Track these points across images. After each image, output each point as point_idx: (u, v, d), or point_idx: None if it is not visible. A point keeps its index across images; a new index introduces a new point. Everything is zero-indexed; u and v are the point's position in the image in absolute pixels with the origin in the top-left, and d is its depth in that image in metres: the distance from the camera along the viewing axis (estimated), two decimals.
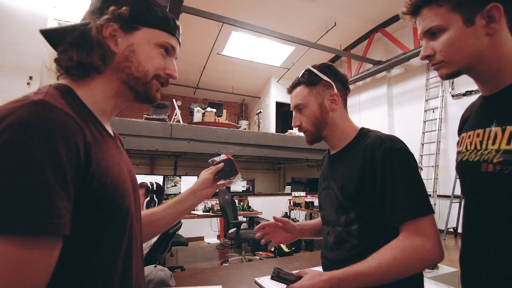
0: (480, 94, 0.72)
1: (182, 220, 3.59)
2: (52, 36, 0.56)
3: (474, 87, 5.48)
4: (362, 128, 0.90)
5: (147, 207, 1.84)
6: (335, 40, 7.21)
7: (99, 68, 0.55)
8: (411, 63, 6.79)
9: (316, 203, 4.93)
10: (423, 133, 6.12)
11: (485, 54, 0.61)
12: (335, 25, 6.64)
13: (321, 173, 1.03)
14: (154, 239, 1.72)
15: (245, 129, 8.06)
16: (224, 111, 6.99)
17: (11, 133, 0.38)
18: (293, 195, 5.12)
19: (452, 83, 5.93)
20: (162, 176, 4.06)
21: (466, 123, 0.76)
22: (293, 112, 0.95)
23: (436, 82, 6.22)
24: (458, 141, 0.77)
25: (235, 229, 3.41)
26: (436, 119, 5.94)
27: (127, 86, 0.58)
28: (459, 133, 0.81)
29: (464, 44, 0.61)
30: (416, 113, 6.36)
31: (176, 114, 5.99)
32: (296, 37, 6.19)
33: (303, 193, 5.16)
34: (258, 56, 7.69)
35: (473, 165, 0.65)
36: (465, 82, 5.70)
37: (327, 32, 6.74)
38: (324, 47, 6.57)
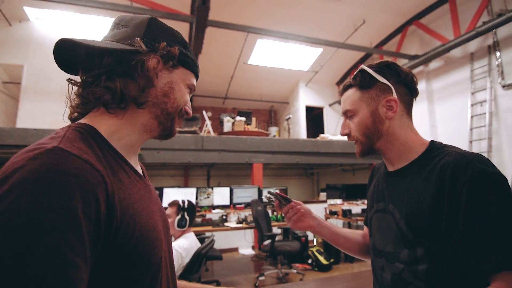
0: None
1: (215, 233, 3.58)
2: (71, 54, 0.53)
3: None
4: (433, 142, 0.74)
5: (179, 225, 1.83)
6: (365, 38, 6.91)
7: (141, 101, 0.52)
8: (451, 54, 6.25)
9: (354, 211, 4.66)
10: (471, 129, 5.57)
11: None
12: (363, 22, 6.36)
13: (372, 189, 0.88)
14: (187, 260, 1.70)
15: (275, 135, 7.98)
16: (253, 119, 7.00)
17: (19, 193, 0.33)
18: (328, 202, 4.90)
19: (502, 72, 5.34)
20: (195, 189, 4.10)
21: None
22: (343, 117, 0.82)
23: (483, 73, 5.64)
24: None
25: (270, 241, 3.31)
26: (485, 113, 5.38)
27: (157, 121, 0.56)
28: None
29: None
30: (461, 108, 5.82)
31: (206, 125, 6.11)
32: (323, 39, 6.02)
33: (339, 201, 4.92)
34: (285, 61, 7.62)
35: None
36: None
37: (355, 30, 6.48)
38: (353, 46, 6.31)
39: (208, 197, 4.12)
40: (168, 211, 1.88)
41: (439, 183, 0.63)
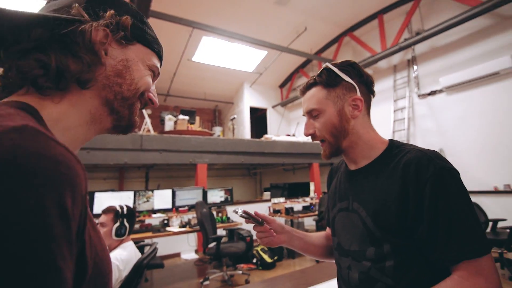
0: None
1: (156, 239, 3.34)
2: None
3: (437, 87, 5.76)
4: (392, 140, 0.76)
5: (117, 234, 1.62)
6: (306, 45, 7.29)
7: (87, 80, 0.41)
8: (378, 65, 7.02)
9: (296, 208, 4.86)
10: (394, 132, 6.32)
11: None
12: (305, 29, 6.71)
13: (333, 189, 0.87)
14: (126, 273, 1.51)
15: (219, 135, 7.88)
16: (197, 118, 6.78)
17: None
18: (272, 201, 5.01)
19: (418, 83, 6.20)
20: (133, 192, 3.76)
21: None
22: (306, 117, 0.78)
23: (403, 83, 6.47)
24: None
25: (215, 243, 3.22)
26: (405, 118, 6.17)
27: (108, 108, 0.45)
28: None
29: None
30: (386, 113, 6.56)
31: (145, 123, 5.69)
32: (268, 41, 6.15)
33: (282, 199, 5.07)
34: (230, 61, 7.58)
35: None
36: (430, 82, 5.98)
37: (298, 36, 6.79)
38: (295, 51, 6.60)
39: (147, 201, 3.82)
40: (102, 219, 1.64)
41: (403, 180, 0.64)
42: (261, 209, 5.53)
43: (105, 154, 4.17)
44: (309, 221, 5.48)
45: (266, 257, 3.84)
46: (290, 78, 9.21)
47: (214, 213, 4.31)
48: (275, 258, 3.95)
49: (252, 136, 8.68)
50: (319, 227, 4.34)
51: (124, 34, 0.45)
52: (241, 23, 6.23)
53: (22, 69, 0.37)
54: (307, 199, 5.16)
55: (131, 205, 3.71)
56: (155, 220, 3.93)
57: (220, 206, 4.47)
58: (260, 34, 6.23)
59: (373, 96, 0.78)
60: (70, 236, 0.27)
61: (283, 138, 6.29)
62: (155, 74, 0.53)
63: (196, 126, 6.45)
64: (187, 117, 6.13)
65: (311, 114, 0.76)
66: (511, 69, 4.73)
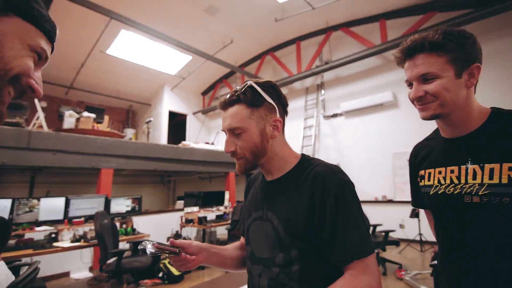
0: (432, 137, 0.91)
1: (40, 257, 2.78)
2: None
3: (339, 110, 6.69)
4: (303, 155, 0.82)
5: None
6: (231, 56, 7.47)
7: None
8: (293, 86, 7.73)
9: (209, 217, 4.81)
10: (302, 147, 7.00)
11: (462, 102, 0.76)
12: (231, 42, 6.88)
13: (250, 199, 0.89)
14: None
15: (131, 138, 7.23)
16: (106, 117, 6.08)
17: None
18: (185, 211, 4.84)
19: (324, 106, 7.07)
20: (10, 200, 3.06)
21: (428, 160, 0.88)
22: (226, 134, 0.78)
23: (313, 104, 7.28)
24: (423, 176, 0.89)
25: (116, 258, 2.89)
26: (312, 135, 6.92)
27: None
28: (418, 169, 0.92)
29: (452, 91, 0.75)
30: (297, 130, 7.22)
31: (37, 118, 4.78)
32: (194, 47, 6.06)
33: (196, 208, 4.95)
34: (151, 61, 7.13)
35: (453, 197, 0.78)
36: (333, 106, 6.90)
37: (224, 47, 6.91)
38: (221, 61, 6.69)
39: (30, 211, 3.17)
40: None
41: (311, 190, 0.70)
42: (172, 219, 5.28)
43: None
44: (222, 230, 5.49)
45: (173, 270, 3.65)
46: (213, 87, 9.23)
47: (118, 224, 3.89)
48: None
49: (169, 142, 8.28)
50: (231, 236, 4.39)
51: None
52: (167, 24, 5.98)
53: None
54: (221, 208, 5.18)
55: (6, 215, 3.02)
56: (38, 234, 3.28)
57: (126, 216, 4.07)
58: (186, 38, 6.09)
59: (287, 115, 0.83)
60: None
61: (202, 146, 6.21)
62: (41, 57, 0.45)
63: (104, 126, 5.76)
64: (93, 115, 5.41)
65: (233, 131, 0.76)
66: (391, 102, 5.87)
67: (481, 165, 0.74)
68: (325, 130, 7.06)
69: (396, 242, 3.60)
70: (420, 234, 4.69)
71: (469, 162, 0.76)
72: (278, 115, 0.77)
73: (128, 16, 4.89)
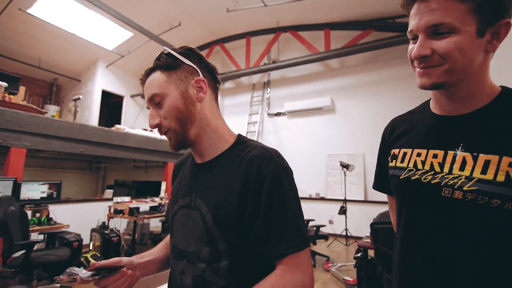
0: (420, 111, 0.74)
1: None
2: None
3: (282, 110, 6.95)
4: (240, 135, 0.74)
5: None
6: (178, 40, 7.09)
7: None
8: (241, 80, 7.74)
9: (142, 208, 4.50)
10: None
11: (476, 71, 0.58)
12: (179, 25, 6.52)
13: (177, 185, 0.80)
14: None
15: (54, 116, 6.32)
16: (23, 88, 5.18)
17: None
18: (114, 200, 4.43)
19: (269, 104, 7.26)
20: None
21: (406, 137, 0.72)
22: (150, 108, 0.71)
23: (258, 101, 7.40)
24: (395, 155, 0.73)
25: (24, 251, 2.48)
26: (255, 131, 7.04)
27: None
28: (391, 146, 0.76)
29: (467, 55, 0.56)
30: (242, 124, 7.27)
31: None
32: (136, 23, 5.55)
33: (127, 198, 4.58)
34: (84, 31, 6.29)
35: (428, 187, 0.63)
36: (278, 105, 7.13)
37: (170, 29, 6.50)
38: (166, 43, 6.29)
39: None
40: None
41: (246, 175, 0.63)
42: (99, 208, 4.79)
43: None
44: (156, 222, 5.21)
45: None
46: None
47: (29, 212, 3.35)
48: None
49: (101, 124, 7.48)
50: (165, 229, 4.18)
51: None
52: None
53: None
54: (156, 199, 4.90)
55: None
56: None
57: (40, 204, 3.54)
58: (129, 12, 5.54)
59: (219, 84, 0.77)
60: None
61: (139, 131, 5.76)
62: None
63: (18, 99, 4.88)
64: (5, 84, 4.55)
65: (154, 101, 0.69)
66: (329, 108, 6.34)
67: (474, 154, 0.58)
68: (268, 127, 7.26)
69: (325, 236, 3.91)
70: (346, 230, 5.20)
71: (460, 148, 0.60)
72: (201, 75, 0.71)
73: None
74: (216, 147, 0.71)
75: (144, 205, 4.57)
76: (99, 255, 3.49)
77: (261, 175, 0.62)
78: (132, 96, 8.38)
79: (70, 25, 6.06)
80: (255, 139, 6.89)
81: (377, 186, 0.86)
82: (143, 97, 8.72)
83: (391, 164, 0.75)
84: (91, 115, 7.23)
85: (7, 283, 3.00)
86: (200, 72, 0.71)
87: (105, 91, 7.64)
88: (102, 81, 7.56)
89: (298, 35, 6.56)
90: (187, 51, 0.71)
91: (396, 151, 0.74)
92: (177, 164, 0.87)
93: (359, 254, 2.55)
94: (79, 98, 5.74)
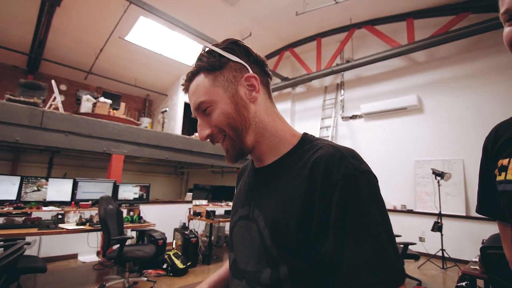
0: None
1: (49, 238, 2.75)
2: None
3: (358, 112, 6.43)
4: (306, 134, 0.62)
5: None
6: None
7: None
8: (312, 84, 7.50)
9: (218, 212, 4.71)
10: None
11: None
12: (250, 35, 6.74)
13: (237, 193, 0.71)
14: None
15: (147, 127, 7.25)
16: (123, 104, 6.10)
17: None
18: (194, 203, 4.75)
19: (343, 106, 6.82)
20: (19, 178, 3.06)
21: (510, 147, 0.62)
22: (197, 118, 0.62)
23: (331, 104, 7.03)
24: (504, 167, 0.62)
25: (119, 245, 2.82)
26: (329, 136, 6.68)
27: None
28: (498, 156, 0.65)
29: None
30: (313, 130, 7.00)
31: (54, 99, 4.81)
32: (212, 37, 5.95)
33: (204, 201, 4.86)
34: (170, 50, 7.09)
35: None
36: (353, 107, 6.64)
37: (242, 40, 6.76)
38: None
39: (38, 190, 3.16)
40: None
41: (310, 182, 0.50)
42: (181, 210, 5.22)
43: None
44: None
45: (178, 263, 3.56)
46: None
47: (124, 211, 3.84)
48: (189, 263, 3.70)
49: (184, 133, 8.26)
50: None
51: None
52: (185, 12, 5.89)
53: None
54: (230, 203, 5.07)
55: (15, 193, 3.02)
56: (46, 214, 3.27)
57: (133, 204, 4.02)
58: (204, 28, 6.00)
59: (271, 79, 0.66)
60: None
61: None
62: None
63: (120, 113, 5.77)
64: (109, 101, 5.44)
65: (201, 109, 0.59)
66: (415, 107, 5.56)
67: None
68: (342, 132, 6.81)
69: (416, 256, 3.34)
70: (443, 250, 4.34)
71: None
72: (251, 72, 0.60)
73: (147, 1, 4.83)
74: (277, 150, 0.60)
75: (219, 209, 4.77)
76: (180, 253, 3.75)
77: (330, 181, 0.48)
78: None
79: (158, 47, 6.90)
80: None
81: (482, 209, 0.72)
82: None
83: (499, 178, 0.63)
84: (176, 125, 8.04)
85: (107, 272, 3.47)
86: (249, 67, 0.60)
87: (186, 103, 8.43)
88: (184, 94, 8.35)
89: (374, 30, 6.01)
90: (231, 45, 0.61)
91: (504, 161, 0.62)
92: (242, 168, 0.79)
93: (463, 283, 2.07)
94: (166, 111, 6.44)
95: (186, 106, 8.46)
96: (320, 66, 6.84)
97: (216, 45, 0.61)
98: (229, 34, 6.70)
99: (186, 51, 7.18)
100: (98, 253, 4.22)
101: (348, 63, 6.19)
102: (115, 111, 5.58)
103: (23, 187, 3.05)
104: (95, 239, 4.10)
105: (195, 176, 8.84)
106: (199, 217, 4.50)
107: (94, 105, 5.29)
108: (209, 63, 0.58)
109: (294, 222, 0.49)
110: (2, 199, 2.94)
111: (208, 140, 0.61)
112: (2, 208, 2.91)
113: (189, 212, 4.79)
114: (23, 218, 3.00)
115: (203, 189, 5.31)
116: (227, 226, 5.21)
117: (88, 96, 5.34)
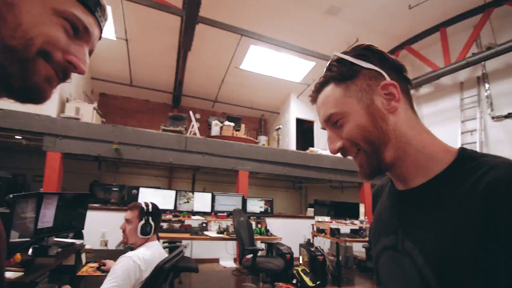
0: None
1: (195, 242, 3.23)
2: None
3: None
4: (464, 149, 0.51)
5: (143, 232, 1.55)
6: None
7: None
8: (441, 82, 6.35)
9: (343, 230, 4.44)
10: None
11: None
12: (357, 41, 6.36)
13: (376, 217, 0.65)
14: (147, 274, 1.40)
15: (264, 144, 7.76)
16: (243, 125, 6.76)
17: None
18: (316, 219, 4.66)
19: (491, 103, 5.44)
20: (175, 192, 3.75)
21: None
22: (326, 130, 0.57)
23: (473, 103, 5.74)
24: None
25: (252, 255, 3.01)
26: (476, 142, 5.41)
27: None
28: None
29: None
30: (452, 135, 5.84)
31: (192, 126, 5.79)
32: (316, 52, 5.96)
33: (327, 218, 4.69)
34: (278, 71, 7.52)
35: None
36: (507, 103, 5.20)
37: (349, 48, 6.47)
38: None
39: (188, 202, 3.78)
40: (128, 215, 1.60)
41: (487, 211, 0.40)
42: (303, 226, 5.21)
43: (153, 152, 4.27)
44: (358, 247, 5.00)
45: (307, 280, 3.50)
46: None
47: (253, 223, 4.11)
48: (318, 282, 3.58)
49: (298, 148, 8.43)
50: (370, 256, 3.88)
51: None
52: (290, 32, 6.13)
53: None
54: (356, 222, 4.70)
55: (172, 204, 3.69)
56: (194, 222, 3.86)
57: (260, 216, 4.27)
58: (308, 44, 6.07)
59: (411, 85, 0.56)
60: None
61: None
62: (77, 29, 0.38)
63: (241, 133, 6.42)
64: (232, 124, 6.13)
65: (331, 122, 0.54)
66: None
67: None
68: (495, 135, 5.39)
69: None
70: None
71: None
72: (388, 79, 0.52)
73: (254, 30, 5.27)
74: (426, 170, 0.50)
75: (344, 227, 4.49)
76: (308, 270, 3.69)
77: None
78: None
79: (268, 70, 7.43)
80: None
81: None
82: None
83: None
84: (290, 140, 8.30)
85: (243, 279, 3.76)
86: (386, 74, 0.53)
87: (298, 118, 8.62)
88: (295, 110, 8.60)
89: None
90: (363, 51, 0.54)
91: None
92: (376, 188, 0.69)
93: None
94: (279, 128, 6.76)
95: (298, 121, 8.66)
96: (449, 60, 5.74)
97: (346, 53, 0.55)
98: (335, 44, 6.54)
99: (292, 68, 7.44)
100: (235, 260, 4.66)
101: (490, 50, 4.94)
102: (237, 132, 6.24)
103: (178, 199, 3.72)
104: (232, 247, 4.56)
105: (314, 191, 8.79)
106: (323, 234, 4.35)
107: (221, 128, 6.07)
108: (340, 73, 0.54)
109: (470, 261, 0.40)
110: (164, 208, 3.66)
111: (332, 153, 0.56)
112: (165, 216, 3.61)
113: (312, 228, 4.72)
114: (179, 224, 3.63)
115: (324, 205, 5.16)
116: (355, 246, 4.85)
117: (216, 121, 6.18)
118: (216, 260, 4.71)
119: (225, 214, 3.93)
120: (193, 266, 2.85)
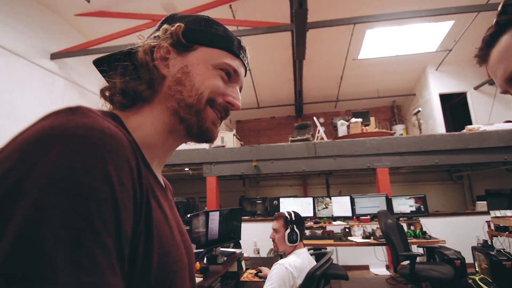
0: None
1: (339, 248, 3.20)
2: (102, 65, 0.49)
3: None
4: None
5: (290, 240, 1.66)
6: None
7: (146, 95, 0.45)
8: None
9: None
10: None
11: None
12: None
13: None
14: (300, 281, 1.48)
15: (402, 134, 6.83)
16: (372, 119, 6.23)
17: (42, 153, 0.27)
18: (492, 214, 3.63)
19: None
20: (312, 199, 3.87)
21: None
22: (510, 93, 0.46)
23: None
24: None
25: (408, 262, 2.67)
26: None
27: (178, 117, 0.46)
28: None
29: None
30: None
31: (318, 131, 5.84)
32: (453, 6, 4.78)
33: (509, 212, 3.57)
34: (404, 47, 6.50)
35: None
36: None
37: None
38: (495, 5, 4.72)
39: (326, 208, 3.80)
40: (274, 225, 1.75)
41: None
42: (473, 224, 4.17)
43: (285, 163, 4.60)
44: None
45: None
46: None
47: (404, 225, 3.66)
48: None
49: (448, 129, 6.93)
50: None
51: (177, 41, 0.45)
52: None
53: (103, 92, 0.46)
54: None
55: (311, 211, 3.82)
56: (335, 227, 3.83)
57: (411, 217, 3.75)
58: (439, 1, 4.96)
59: None
60: (113, 200, 0.28)
61: (500, 126, 4.55)
62: (229, 74, 0.48)
63: (371, 128, 5.92)
64: (360, 119, 5.77)
65: None
66: None
67: None
68: None
69: None
70: None
71: None
72: None
73: (367, 13, 4.79)
74: None
75: None
76: (489, 279, 2.92)
77: None
78: (475, 88, 7.02)
79: (391, 50, 6.56)
80: None
81: None
82: (490, 84, 7.00)
83: None
84: (435, 123, 6.95)
85: None
86: None
87: (442, 94, 7.12)
88: (436, 85, 7.14)
89: None
90: None
91: None
92: None
93: None
94: (419, 111, 5.80)
95: (443, 98, 7.14)
96: None
97: None
98: None
99: (423, 38, 6.25)
100: (387, 267, 4.26)
101: None
102: (367, 127, 5.79)
103: (316, 205, 3.82)
104: (381, 252, 4.20)
105: (481, 179, 6.90)
106: (506, 233, 3.34)
107: (348, 127, 5.81)
108: None
109: None
110: (304, 216, 3.83)
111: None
112: (306, 223, 3.77)
113: (488, 226, 3.71)
114: (321, 231, 3.69)
115: (501, 195, 3.97)
116: None
117: (342, 121, 5.98)
118: (366, 267, 4.42)
119: (368, 217, 3.69)
120: (342, 273, 2.82)
